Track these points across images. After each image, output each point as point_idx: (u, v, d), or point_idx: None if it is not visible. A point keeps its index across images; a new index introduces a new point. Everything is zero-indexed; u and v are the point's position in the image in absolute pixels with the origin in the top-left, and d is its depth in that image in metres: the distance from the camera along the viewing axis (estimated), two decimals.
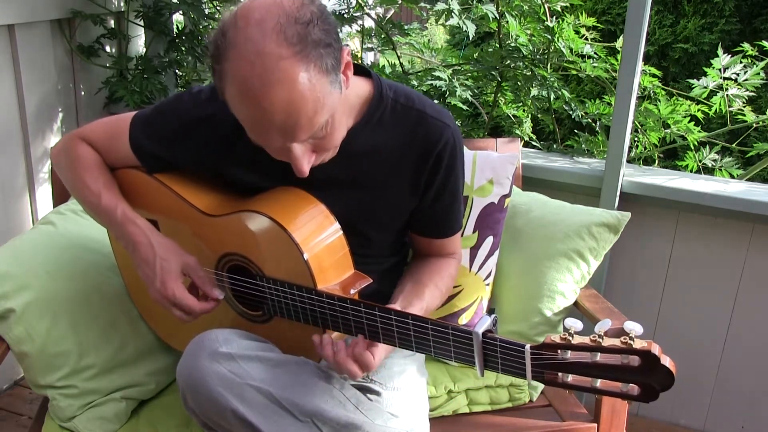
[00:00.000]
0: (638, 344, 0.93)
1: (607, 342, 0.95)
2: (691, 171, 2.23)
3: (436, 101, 2.26)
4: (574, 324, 0.98)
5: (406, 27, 2.40)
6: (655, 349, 0.92)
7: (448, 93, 2.25)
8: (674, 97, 2.27)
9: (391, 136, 1.24)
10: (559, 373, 1.00)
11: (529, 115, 2.44)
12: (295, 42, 0.98)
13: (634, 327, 0.94)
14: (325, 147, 1.11)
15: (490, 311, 1.07)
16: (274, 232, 1.19)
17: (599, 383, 0.98)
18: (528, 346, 1.01)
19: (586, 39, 2.30)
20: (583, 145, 2.30)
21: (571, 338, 0.97)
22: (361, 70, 1.25)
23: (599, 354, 0.96)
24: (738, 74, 2.15)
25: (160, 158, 1.31)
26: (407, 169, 1.26)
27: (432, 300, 1.29)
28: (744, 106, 2.18)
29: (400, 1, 2.26)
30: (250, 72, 0.98)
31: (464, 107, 2.34)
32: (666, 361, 0.92)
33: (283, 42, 0.98)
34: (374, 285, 1.26)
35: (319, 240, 1.21)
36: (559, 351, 0.98)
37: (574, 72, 2.34)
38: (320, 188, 1.23)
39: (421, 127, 1.24)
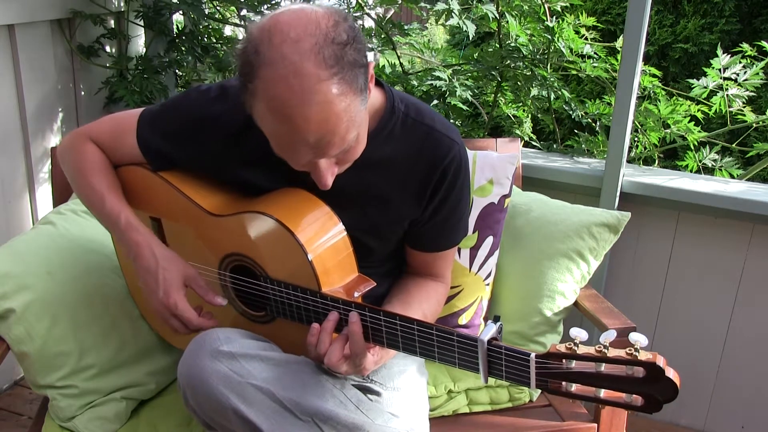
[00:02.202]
0: (643, 356, 0.93)
1: (612, 353, 0.95)
2: (691, 171, 2.23)
3: (435, 101, 2.27)
4: (579, 334, 0.97)
5: (406, 27, 2.40)
6: (660, 361, 0.92)
7: (448, 93, 2.25)
8: (674, 97, 2.27)
9: (400, 150, 1.25)
10: (563, 383, 0.99)
11: (529, 115, 2.44)
12: (332, 63, 0.98)
13: (639, 338, 0.94)
14: (348, 160, 1.12)
15: (496, 319, 1.07)
16: (278, 233, 1.19)
17: (603, 393, 0.98)
18: (533, 355, 1.00)
19: (586, 39, 2.30)
20: (583, 145, 2.30)
21: (576, 348, 0.97)
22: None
23: (604, 364, 0.96)
24: (738, 74, 2.15)
25: (166, 156, 1.31)
26: (413, 183, 1.27)
27: None
28: (744, 106, 2.18)
29: (400, 1, 2.26)
30: (288, 92, 0.98)
31: (464, 107, 2.34)
32: (671, 373, 0.92)
33: (321, 63, 0.98)
34: (375, 288, 1.26)
35: (324, 241, 1.21)
36: (563, 360, 0.98)
37: (574, 72, 2.34)
38: (326, 197, 1.23)
39: (429, 143, 1.25)
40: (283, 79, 0.98)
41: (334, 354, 1.13)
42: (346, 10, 2.31)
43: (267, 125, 1.04)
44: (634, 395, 0.96)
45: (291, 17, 1.00)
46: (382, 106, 1.24)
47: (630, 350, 0.93)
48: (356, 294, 1.20)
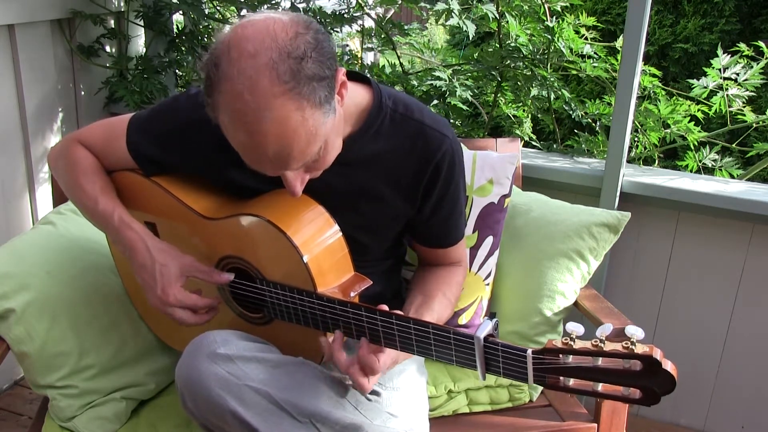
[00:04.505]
0: (640, 349, 0.93)
1: (609, 346, 0.95)
2: (691, 171, 2.23)
3: (435, 101, 2.27)
4: (576, 328, 0.97)
5: (406, 27, 2.40)
6: (657, 354, 0.92)
7: (448, 93, 2.25)
8: (674, 97, 2.27)
9: (389, 146, 1.24)
10: (561, 377, 1.00)
11: (529, 115, 2.44)
12: (287, 79, 0.97)
13: (635, 331, 0.94)
14: (318, 168, 1.12)
15: (491, 315, 1.07)
16: (272, 235, 1.19)
17: (600, 387, 0.98)
18: (530, 351, 1.00)
19: (586, 39, 2.30)
20: (583, 145, 2.30)
21: (572, 343, 0.97)
22: (359, 77, 1.25)
23: (601, 358, 0.96)
24: (738, 74, 2.15)
25: (156, 160, 1.31)
26: (405, 179, 1.27)
27: (442, 311, 1.30)
28: (744, 106, 2.18)
29: (400, 1, 2.26)
30: (243, 106, 0.98)
31: (464, 107, 2.34)
32: (668, 365, 0.92)
33: (275, 79, 0.97)
34: (372, 287, 1.26)
35: (319, 242, 1.21)
36: (560, 355, 0.98)
37: (574, 72, 2.34)
38: (316, 196, 1.23)
39: (419, 138, 1.25)
40: (239, 95, 0.98)
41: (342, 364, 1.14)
42: (346, 10, 2.31)
43: (230, 138, 1.05)
44: (632, 388, 0.96)
45: (250, 31, 0.99)
46: (369, 103, 1.23)
47: (626, 344, 0.94)
48: (352, 294, 1.20)
